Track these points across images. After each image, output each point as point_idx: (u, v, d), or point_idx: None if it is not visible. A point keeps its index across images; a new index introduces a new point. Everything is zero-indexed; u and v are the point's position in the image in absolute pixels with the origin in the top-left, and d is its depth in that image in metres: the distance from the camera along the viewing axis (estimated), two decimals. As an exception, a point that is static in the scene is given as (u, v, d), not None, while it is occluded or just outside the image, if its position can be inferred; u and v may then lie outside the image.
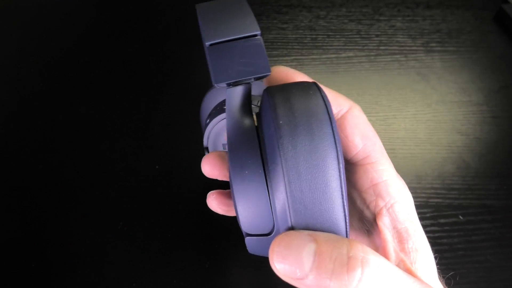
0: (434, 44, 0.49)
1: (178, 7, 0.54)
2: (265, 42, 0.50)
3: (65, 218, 0.35)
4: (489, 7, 0.53)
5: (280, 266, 0.16)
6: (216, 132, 0.30)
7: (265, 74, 0.18)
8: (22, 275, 0.32)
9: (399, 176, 0.23)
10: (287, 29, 0.51)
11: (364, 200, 0.22)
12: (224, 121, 0.28)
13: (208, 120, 0.31)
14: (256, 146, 0.18)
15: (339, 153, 0.16)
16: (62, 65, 0.48)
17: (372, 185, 0.22)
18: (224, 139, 0.30)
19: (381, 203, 0.21)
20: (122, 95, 0.44)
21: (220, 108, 0.30)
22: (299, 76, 0.23)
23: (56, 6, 0.55)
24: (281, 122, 0.16)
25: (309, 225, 0.16)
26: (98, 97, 0.44)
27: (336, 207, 0.16)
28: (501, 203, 0.35)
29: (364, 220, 0.23)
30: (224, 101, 0.31)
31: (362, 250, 0.16)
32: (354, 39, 0.50)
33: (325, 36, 0.50)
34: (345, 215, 0.17)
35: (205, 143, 0.30)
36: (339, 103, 0.23)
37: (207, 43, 0.18)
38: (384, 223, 0.21)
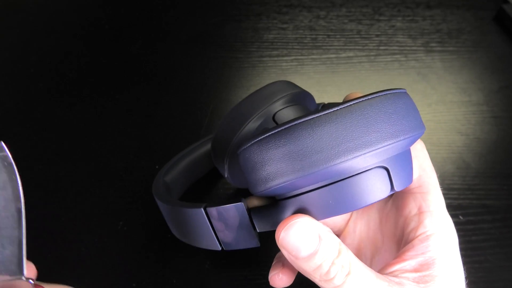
0: (434, 44, 0.49)
1: (178, 6, 0.54)
2: (265, 42, 0.50)
3: (65, 218, 0.35)
4: (489, 7, 0.53)
5: (286, 244, 0.20)
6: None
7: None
8: (22, 275, 0.32)
9: (447, 214, 0.23)
10: (287, 29, 0.51)
11: (406, 226, 0.23)
12: None
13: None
14: None
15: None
16: (62, 65, 0.48)
17: (417, 213, 0.23)
18: None
19: (421, 231, 0.22)
20: (122, 95, 0.44)
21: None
22: None
23: (56, 6, 0.55)
24: None
25: None
26: (98, 97, 0.44)
27: None
28: (501, 203, 0.35)
29: (400, 245, 0.23)
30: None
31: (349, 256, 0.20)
32: (354, 39, 0.50)
33: (325, 36, 0.50)
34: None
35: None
36: None
37: None
38: (415, 248, 0.21)
